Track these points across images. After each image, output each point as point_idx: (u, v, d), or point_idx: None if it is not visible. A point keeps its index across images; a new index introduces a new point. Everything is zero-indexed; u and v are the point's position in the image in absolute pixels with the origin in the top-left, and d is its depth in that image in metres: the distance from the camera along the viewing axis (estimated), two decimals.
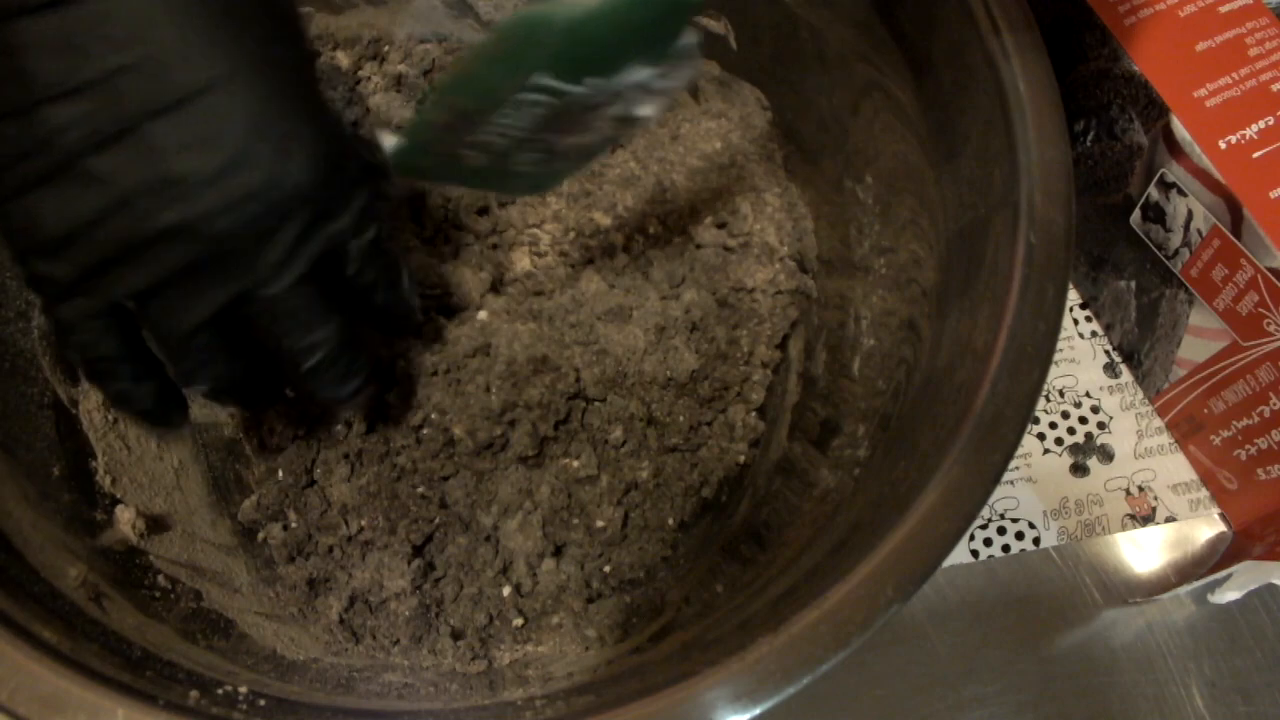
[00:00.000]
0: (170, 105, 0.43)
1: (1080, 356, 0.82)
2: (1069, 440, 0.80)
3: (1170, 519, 0.78)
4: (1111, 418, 0.80)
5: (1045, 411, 0.81)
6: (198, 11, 0.43)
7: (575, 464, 0.68)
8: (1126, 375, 0.82)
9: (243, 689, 0.49)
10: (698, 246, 0.74)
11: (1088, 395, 0.81)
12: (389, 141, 0.57)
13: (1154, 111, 0.70)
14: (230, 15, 0.44)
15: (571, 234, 0.73)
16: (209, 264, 0.46)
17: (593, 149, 0.59)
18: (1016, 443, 0.49)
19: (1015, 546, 0.76)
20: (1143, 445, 0.80)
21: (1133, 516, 0.77)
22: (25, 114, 0.42)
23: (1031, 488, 0.78)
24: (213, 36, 0.43)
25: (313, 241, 0.48)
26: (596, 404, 0.69)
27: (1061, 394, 0.81)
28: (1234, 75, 0.68)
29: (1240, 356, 0.70)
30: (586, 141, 0.57)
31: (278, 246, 0.47)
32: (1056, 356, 0.80)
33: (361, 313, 0.55)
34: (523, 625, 0.65)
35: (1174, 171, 0.70)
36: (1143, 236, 0.75)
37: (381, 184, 0.54)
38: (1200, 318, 0.72)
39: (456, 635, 0.65)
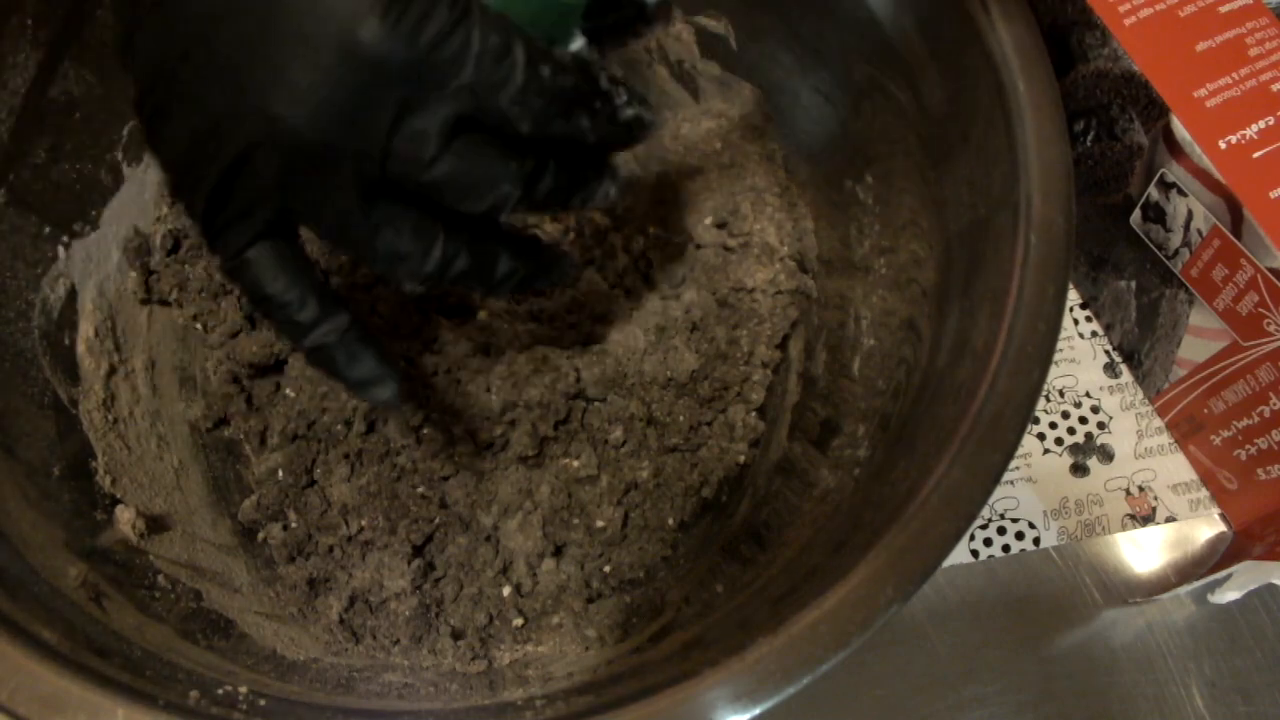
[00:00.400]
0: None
1: (1080, 356, 0.82)
2: (1069, 440, 0.80)
3: (1170, 519, 0.78)
4: (1111, 418, 0.80)
5: (1045, 411, 0.81)
6: None
7: (575, 464, 0.68)
8: (1126, 375, 0.82)
9: (243, 689, 0.49)
10: (698, 247, 0.74)
11: (1088, 395, 0.81)
12: None
13: (1154, 111, 0.70)
14: None
15: (571, 234, 0.73)
16: (324, 160, 0.44)
17: None
18: (1017, 443, 0.49)
19: (1015, 546, 0.76)
20: (1143, 445, 0.80)
21: (1133, 516, 0.77)
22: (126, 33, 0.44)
23: (1031, 488, 0.78)
24: None
25: (427, 112, 0.44)
26: (596, 404, 0.69)
27: (1061, 394, 0.81)
28: (1234, 75, 0.68)
29: (1240, 356, 0.70)
30: None
31: (376, 131, 0.44)
32: (1056, 356, 0.80)
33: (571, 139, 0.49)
34: (523, 625, 0.66)
35: (1174, 171, 0.70)
36: (1143, 236, 0.75)
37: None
38: (1200, 318, 0.72)
39: (457, 635, 0.65)
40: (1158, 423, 0.80)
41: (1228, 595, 0.73)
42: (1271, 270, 0.65)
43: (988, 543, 0.76)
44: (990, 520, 0.76)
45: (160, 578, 0.62)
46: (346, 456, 0.67)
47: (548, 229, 0.74)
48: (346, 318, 0.49)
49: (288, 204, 0.46)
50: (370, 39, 0.41)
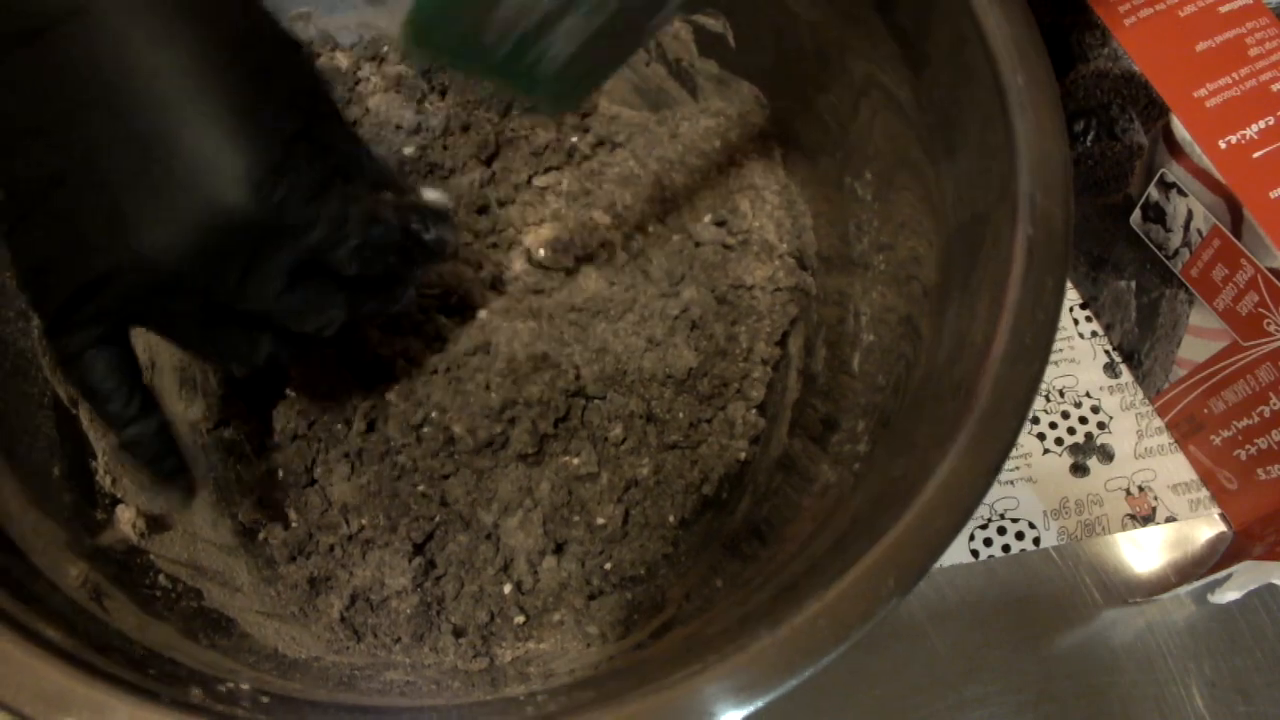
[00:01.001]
0: (120, 139, 0.44)
1: (1080, 356, 0.82)
2: (1069, 440, 0.80)
3: (1170, 519, 0.78)
4: (1111, 418, 0.80)
5: (1045, 411, 0.81)
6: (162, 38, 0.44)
7: (575, 461, 0.68)
8: (1126, 375, 0.82)
9: (245, 687, 0.49)
10: (697, 244, 0.74)
11: (1088, 395, 0.81)
12: None
13: (1154, 111, 0.70)
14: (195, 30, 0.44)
15: (571, 232, 0.73)
16: (180, 289, 0.47)
17: (623, 43, 0.57)
18: (1015, 436, 0.49)
19: (1015, 546, 0.76)
20: (1143, 445, 0.80)
21: (1133, 516, 0.77)
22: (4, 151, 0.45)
23: (1031, 488, 0.78)
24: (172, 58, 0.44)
25: (275, 261, 0.48)
26: (596, 401, 0.69)
27: (1061, 394, 0.81)
28: (1234, 75, 0.69)
29: (1240, 356, 0.70)
30: (617, 29, 0.53)
31: (232, 274, 0.47)
32: (1056, 356, 0.80)
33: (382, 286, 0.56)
34: (524, 623, 0.66)
35: (1174, 171, 0.70)
36: (1143, 236, 0.75)
37: (359, 182, 0.53)
38: (1200, 318, 0.72)
39: (458, 633, 0.65)
40: (1158, 423, 0.80)
41: (1228, 595, 0.73)
42: (1271, 270, 0.65)
43: (988, 543, 0.76)
44: (990, 520, 0.77)
45: (161, 577, 0.62)
46: (347, 455, 0.67)
47: (547, 227, 0.74)
48: (158, 420, 0.53)
49: (133, 318, 0.50)
50: (242, 206, 0.45)
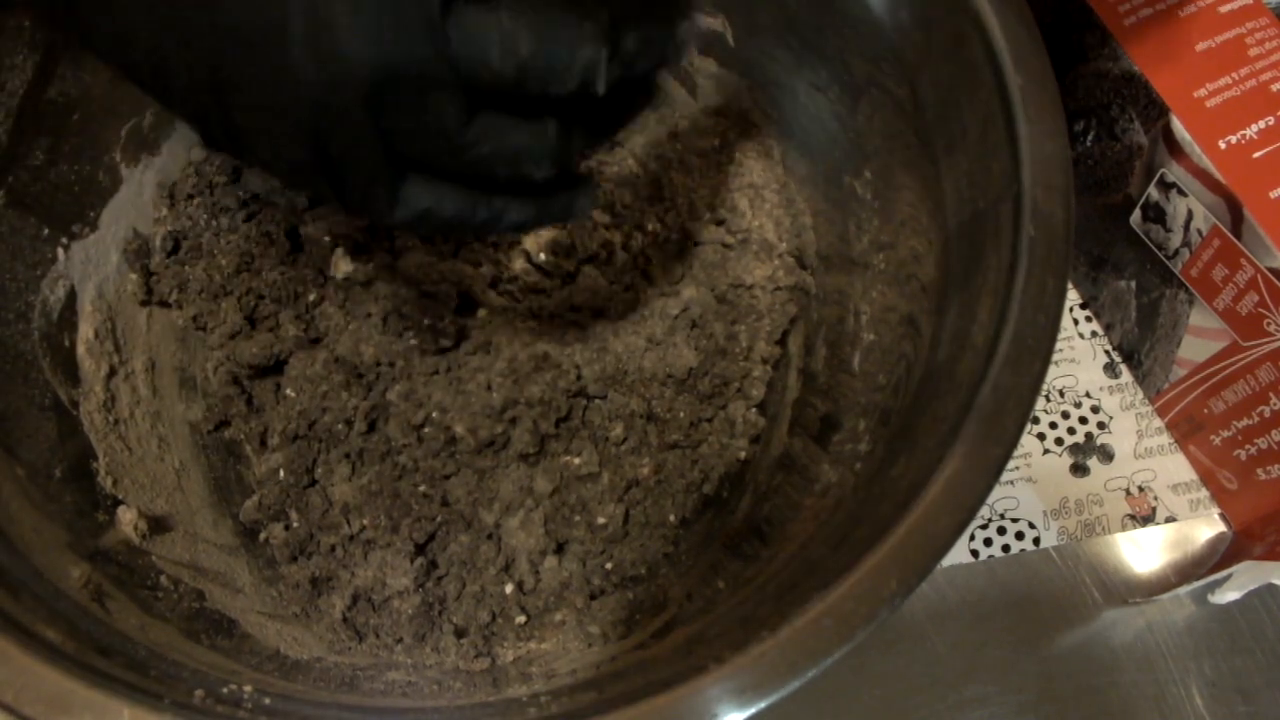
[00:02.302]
0: None
1: (1080, 356, 0.82)
2: (1069, 440, 0.80)
3: (1170, 519, 0.78)
4: (1111, 418, 0.81)
5: (1045, 411, 0.81)
6: None
7: (576, 461, 0.68)
8: (1126, 375, 0.82)
9: (247, 688, 0.49)
10: (696, 244, 0.74)
11: (1088, 395, 0.81)
12: None
13: (1154, 111, 0.70)
14: None
15: (571, 235, 0.73)
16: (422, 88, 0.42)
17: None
18: (1018, 436, 0.49)
19: (1015, 546, 0.76)
20: (1143, 445, 0.80)
21: (1133, 516, 0.78)
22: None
23: (1031, 488, 0.78)
24: None
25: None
26: (597, 401, 0.69)
27: (1061, 394, 0.81)
28: (1234, 75, 0.69)
29: (1240, 356, 0.70)
30: None
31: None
32: (1057, 356, 0.80)
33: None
34: (525, 622, 0.66)
35: (1174, 171, 0.70)
36: (1143, 236, 0.75)
37: None
38: (1200, 318, 0.72)
39: (459, 633, 0.65)
40: (1158, 423, 0.80)
41: (1228, 595, 0.73)
42: (1271, 270, 0.65)
43: (988, 543, 0.76)
44: (990, 520, 0.77)
45: (163, 578, 0.62)
46: (348, 456, 0.68)
47: (543, 233, 0.74)
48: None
49: (405, 147, 0.45)
50: None
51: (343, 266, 0.68)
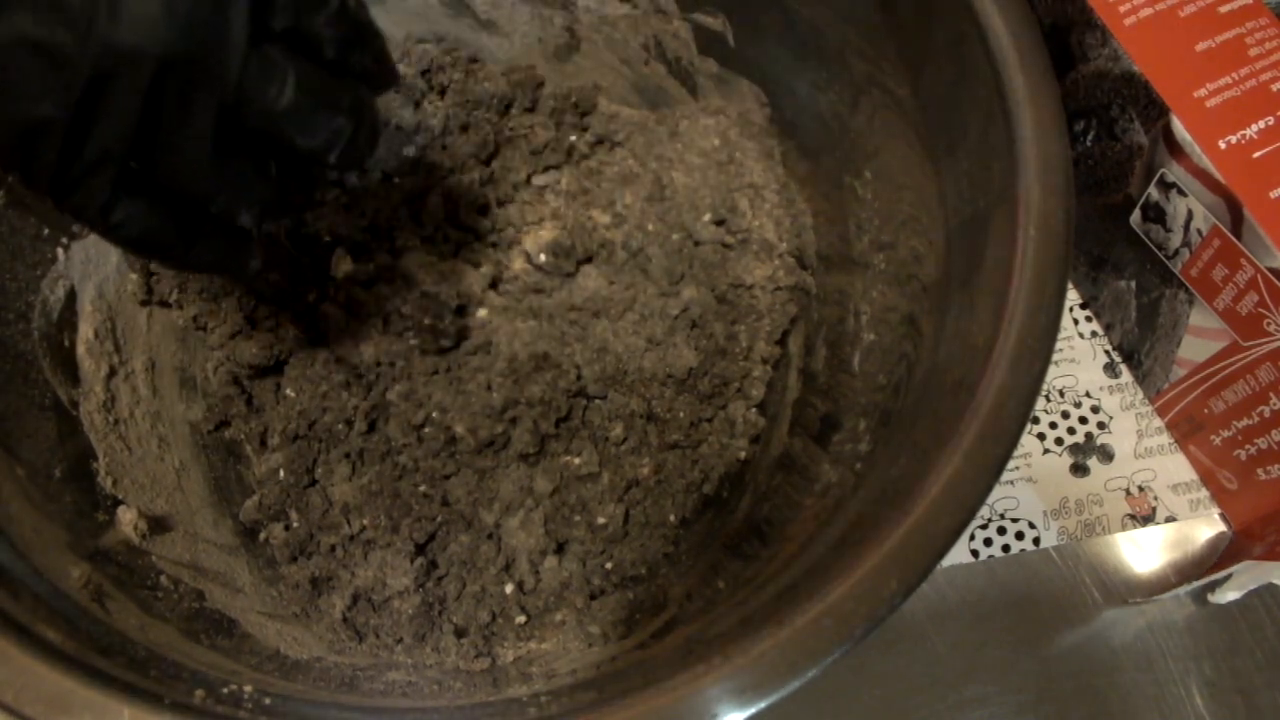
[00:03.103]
0: None
1: (1080, 356, 0.82)
2: (1069, 440, 0.80)
3: (1170, 519, 0.78)
4: (1111, 418, 0.81)
5: (1045, 411, 0.81)
6: None
7: (576, 461, 0.68)
8: (1126, 375, 0.82)
9: (247, 688, 0.49)
10: (696, 243, 0.74)
11: (1088, 395, 0.81)
12: None
13: (1154, 111, 0.70)
14: None
15: (571, 235, 0.73)
16: (179, 84, 0.42)
17: None
18: (1018, 436, 0.49)
19: (1015, 546, 0.76)
20: (1143, 445, 0.80)
21: (1133, 516, 0.77)
22: None
23: (1031, 488, 0.78)
24: None
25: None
26: (597, 401, 0.69)
27: (1061, 394, 0.81)
28: (1234, 75, 0.69)
29: (1240, 356, 0.70)
30: None
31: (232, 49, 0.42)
32: (1057, 356, 0.80)
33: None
34: (525, 622, 0.66)
35: (1174, 171, 0.70)
36: (1143, 236, 0.75)
37: None
38: (1200, 318, 0.72)
39: (460, 633, 0.65)
40: (1158, 423, 0.80)
41: (1228, 595, 0.73)
42: (1271, 270, 0.65)
43: (988, 543, 0.76)
44: (990, 520, 0.77)
45: (163, 578, 0.62)
46: (348, 456, 0.68)
47: (544, 234, 0.74)
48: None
49: (139, 155, 0.44)
50: None
51: (343, 266, 0.68)
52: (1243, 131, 0.67)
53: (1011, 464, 0.77)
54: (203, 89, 0.43)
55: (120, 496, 0.65)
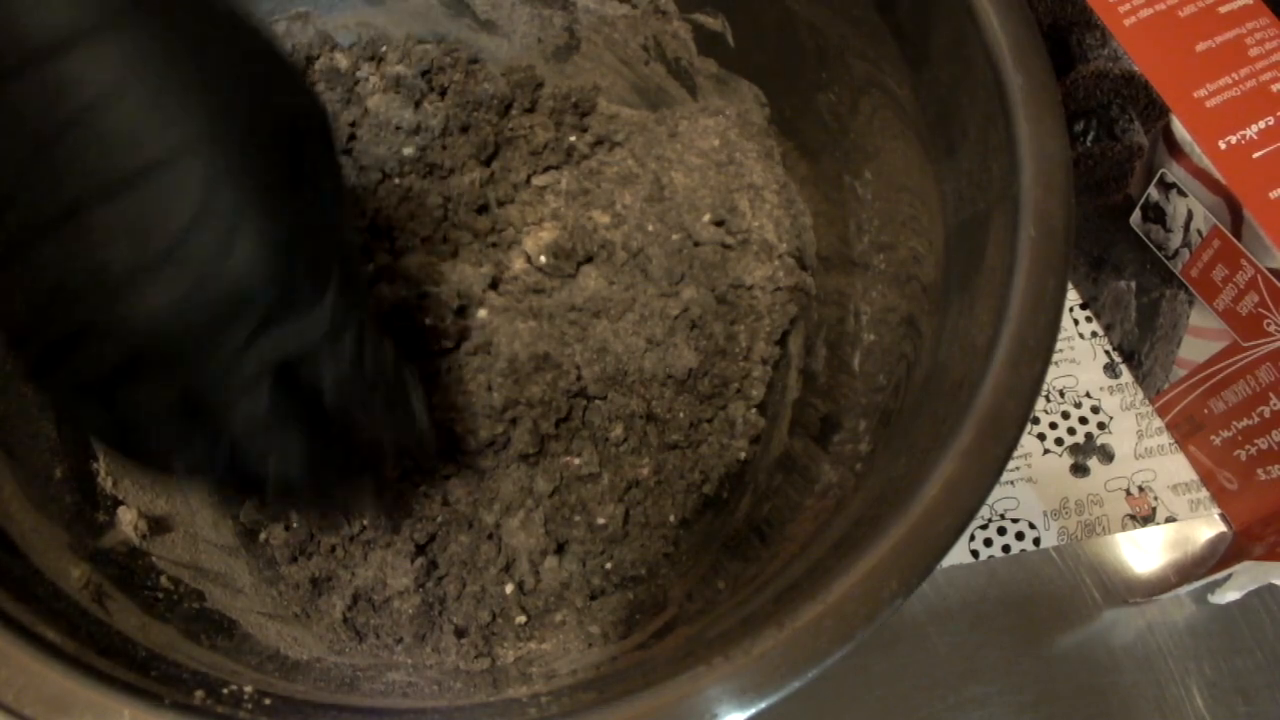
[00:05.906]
0: (115, 186, 0.36)
1: (1080, 356, 0.82)
2: (1069, 440, 0.80)
3: (1170, 519, 0.78)
4: (1111, 418, 0.81)
5: (1045, 412, 0.81)
6: (162, 75, 0.36)
7: (576, 461, 0.68)
8: (1126, 375, 0.82)
9: (248, 689, 0.49)
10: (696, 244, 0.74)
11: (1088, 395, 0.81)
12: None
13: (1154, 111, 0.70)
14: (200, 79, 0.37)
15: (571, 236, 0.73)
16: (153, 362, 0.40)
17: None
18: (1018, 436, 0.49)
19: (1015, 547, 0.76)
20: (1143, 445, 0.80)
21: (1133, 517, 0.78)
22: None
23: (1031, 488, 0.78)
24: (180, 102, 0.37)
25: (262, 348, 0.40)
26: (597, 401, 0.69)
27: (1062, 394, 0.81)
28: (1234, 75, 0.69)
29: (1240, 357, 0.70)
30: None
31: (221, 350, 0.39)
32: (1057, 357, 0.80)
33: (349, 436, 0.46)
34: (526, 623, 0.66)
35: (1174, 171, 0.70)
36: (1143, 236, 0.75)
37: (359, 298, 0.45)
38: (1200, 318, 0.72)
39: (460, 633, 0.65)
40: (1158, 423, 0.80)
41: (1228, 595, 0.73)
42: (1271, 270, 0.65)
43: (988, 543, 0.76)
44: (990, 520, 0.77)
45: (163, 579, 0.62)
46: None
47: (547, 227, 0.74)
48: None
49: (104, 392, 0.41)
50: (256, 271, 0.39)
51: None
52: (1243, 132, 0.67)
53: (1011, 464, 0.77)
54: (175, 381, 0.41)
55: (120, 497, 0.65)
